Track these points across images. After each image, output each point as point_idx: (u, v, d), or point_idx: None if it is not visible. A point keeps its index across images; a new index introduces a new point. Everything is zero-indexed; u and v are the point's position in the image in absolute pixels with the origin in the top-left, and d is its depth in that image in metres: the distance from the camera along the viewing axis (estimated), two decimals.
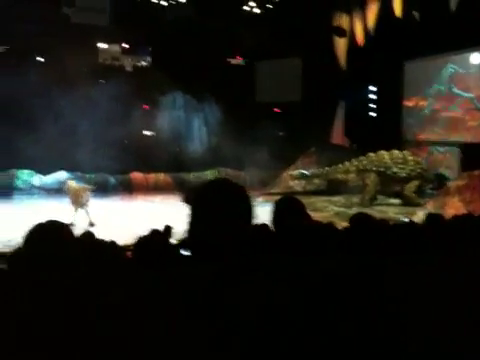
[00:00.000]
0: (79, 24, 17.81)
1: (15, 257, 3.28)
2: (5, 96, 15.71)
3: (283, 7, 18.39)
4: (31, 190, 16.40)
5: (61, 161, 16.05)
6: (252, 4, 19.83)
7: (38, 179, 16.78)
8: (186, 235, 1.63)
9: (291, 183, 16.02)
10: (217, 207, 1.58)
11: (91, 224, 10.86)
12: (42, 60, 18.27)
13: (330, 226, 3.39)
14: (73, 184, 11.64)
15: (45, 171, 16.82)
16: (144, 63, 19.96)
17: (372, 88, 17.70)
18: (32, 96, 14.81)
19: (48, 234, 1.95)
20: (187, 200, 1.77)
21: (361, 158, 14.35)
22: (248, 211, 1.62)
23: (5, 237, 8.34)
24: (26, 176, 16.74)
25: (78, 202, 11.15)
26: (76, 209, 11.12)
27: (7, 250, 6.29)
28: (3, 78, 15.51)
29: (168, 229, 4.70)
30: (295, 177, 15.44)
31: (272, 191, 15.05)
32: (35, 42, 16.68)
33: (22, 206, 13.61)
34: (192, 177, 18.11)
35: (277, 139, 17.59)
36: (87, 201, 11.27)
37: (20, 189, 16.32)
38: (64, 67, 16.19)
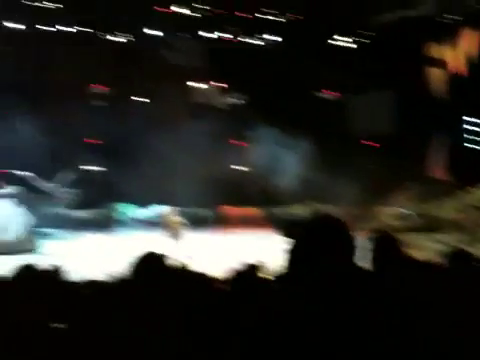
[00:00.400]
0: (176, 65, 18.81)
1: (119, 287, 3.44)
2: (110, 135, 16.86)
3: (377, 39, 18.19)
4: (131, 223, 17.20)
5: (159, 195, 16.76)
6: (345, 38, 19.84)
7: (137, 212, 17.59)
8: (284, 270, 1.62)
9: (386, 219, 15.44)
10: (322, 244, 1.56)
11: (187, 255, 11.16)
12: (144, 101, 19.43)
13: (431, 265, 3.21)
14: (169, 218, 12.11)
15: (144, 205, 17.63)
16: (237, 101, 20.53)
17: (474, 120, 16.81)
18: (133, 135, 15.75)
19: (149, 265, 2.03)
20: (289, 235, 1.77)
21: (464, 194, 13.55)
22: (351, 249, 1.59)
23: (106, 268, 8.76)
24: (127, 209, 17.62)
25: (174, 235, 11.57)
26: (173, 241, 11.51)
27: (108, 280, 6.61)
28: (107, 118, 16.70)
29: (258, 265, 4.68)
30: (395, 216, 14.88)
31: (366, 227, 14.56)
32: (137, 84, 17.83)
33: (122, 238, 14.29)
34: (283, 212, 18.05)
35: (370, 173, 17.13)
36: (182, 234, 11.66)
37: (121, 222, 17.18)
38: (163, 107, 17.08)
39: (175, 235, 11.66)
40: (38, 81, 16.93)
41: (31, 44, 17.21)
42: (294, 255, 1.63)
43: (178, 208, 16.82)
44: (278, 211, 18.18)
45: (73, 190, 15.43)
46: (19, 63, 16.65)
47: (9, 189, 14.01)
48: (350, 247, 1.60)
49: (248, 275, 3.85)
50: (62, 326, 2.52)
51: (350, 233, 1.61)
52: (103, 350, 1.94)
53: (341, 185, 15.74)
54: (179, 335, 2.02)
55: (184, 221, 12.25)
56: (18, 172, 14.60)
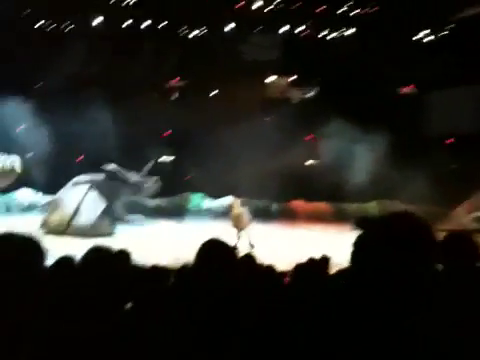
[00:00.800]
0: (251, 60, 18.89)
1: (181, 271, 3.52)
2: (182, 126, 17.26)
3: (459, 32, 17.30)
4: (200, 213, 17.56)
5: (229, 187, 16.98)
6: (426, 31, 19.03)
7: (208, 203, 17.92)
8: (356, 266, 1.58)
9: (464, 220, 14.71)
10: (402, 243, 1.50)
11: (251, 245, 11.28)
12: (215, 93, 19.72)
13: None
14: (236, 209, 12.22)
15: (214, 196, 17.94)
16: (311, 95, 20.30)
17: None
18: (206, 127, 16.03)
19: (214, 252, 2.04)
20: (365, 231, 1.71)
21: None
22: (433, 249, 1.52)
23: (174, 255, 9.00)
24: (197, 200, 18.01)
25: (239, 226, 11.69)
26: (238, 232, 11.65)
27: (176, 266, 6.78)
28: (184, 111, 17.11)
29: (326, 260, 4.62)
30: (473, 219, 14.14)
31: (441, 228, 13.97)
32: (209, 77, 18.09)
33: (191, 227, 14.63)
34: (355, 208, 17.73)
35: (449, 172, 16.39)
36: (248, 225, 11.76)
37: (191, 211, 17.59)
38: (237, 100, 17.23)
39: (240, 226, 11.80)
40: (116, 73, 17.57)
41: (107, 38, 17.87)
42: (369, 252, 1.58)
43: (246, 199, 17.02)
44: (349, 207, 17.86)
45: (154, 179, 15.68)
46: (96, 56, 17.35)
47: (88, 176, 14.70)
48: (432, 248, 1.53)
49: (312, 270, 3.81)
50: (130, 308, 2.60)
51: (432, 233, 1.54)
52: (164, 333, 1.98)
53: (416, 183, 15.17)
54: (239, 321, 2.02)
55: (249, 213, 12.34)
56: (99, 160, 15.11)
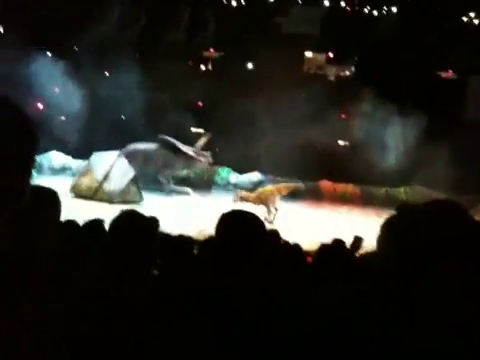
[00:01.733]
0: (289, 33, 18.57)
1: (206, 244, 3.53)
2: (214, 99, 17.19)
3: None
4: (227, 186, 17.61)
5: (257, 163, 16.93)
6: (471, 15, 18.34)
7: (235, 177, 17.95)
8: (384, 250, 1.53)
9: None
10: (441, 231, 1.43)
11: (270, 221, 11.30)
12: (251, 67, 19.51)
13: None
14: (264, 187, 12.31)
15: (242, 170, 17.93)
16: (348, 73, 19.91)
17: None
18: (238, 100, 15.90)
19: (240, 222, 2.01)
20: (400, 218, 1.65)
21: None
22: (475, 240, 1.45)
23: (200, 226, 9.07)
24: (225, 173, 18.04)
25: (265, 202, 11.71)
26: (268, 209, 11.71)
27: (201, 238, 6.83)
28: (216, 82, 17.01)
29: (358, 241, 4.55)
30: None
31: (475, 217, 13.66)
32: (247, 49, 17.88)
33: (218, 200, 14.69)
34: (383, 192, 17.49)
35: None
36: (273, 202, 11.80)
37: (219, 185, 17.65)
38: (271, 74, 17.01)
39: (266, 203, 11.84)
40: (150, 39, 17.53)
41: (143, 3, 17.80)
42: (403, 240, 1.51)
43: (274, 177, 16.96)
44: (377, 191, 17.62)
45: (207, 154, 15.57)
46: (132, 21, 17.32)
47: (142, 144, 15.00)
48: (469, 239, 1.45)
49: (336, 251, 3.77)
50: (156, 273, 2.62)
51: (474, 224, 1.46)
52: (187, 301, 1.97)
53: (449, 170, 14.84)
54: (259, 295, 2.00)
55: (276, 189, 12.34)
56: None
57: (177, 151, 15.02)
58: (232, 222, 2.00)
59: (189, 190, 15.54)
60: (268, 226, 5.02)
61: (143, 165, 14.84)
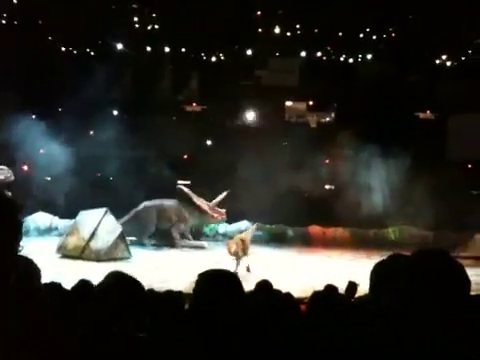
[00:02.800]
0: (269, 85, 19.04)
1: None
2: (199, 149, 17.36)
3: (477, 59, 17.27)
4: (217, 237, 17.48)
5: (245, 211, 16.90)
6: (444, 57, 19.02)
7: (223, 227, 17.86)
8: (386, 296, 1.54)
9: None
10: (431, 284, 1.46)
11: (248, 269, 11.03)
12: (233, 117, 19.86)
13: None
14: (237, 237, 11.75)
15: (230, 221, 17.87)
16: (328, 119, 20.33)
17: None
18: (221, 150, 16.10)
19: (217, 282, 1.98)
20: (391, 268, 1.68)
21: None
22: (464, 291, 1.48)
23: (190, 279, 8.92)
24: (214, 224, 17.93)
25: (242, 252, 11.23)
26: (239, 259, 11.17)
27: (190, 291, 6.71)
28: (200, 134, 17.25)
29: (353, 286, 4.51)
30: None
31: (463, 254, 13.65)
32: (229, 103, 18.28)
33: (207, 251, 14.56)
34: (372, 234, 17.50)
35: (470, 198, 16.14)
36: (246, 250, 11.41)
37: (207, 236, 17.52)
38: (254, 125, 17.34)
39: (243, 252, 11.25)
40: (136, 97, 17.83)
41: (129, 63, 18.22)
42: (398, 284, 1.54)
43: (262, 225, 16.88)
44: (366, 233, 17.63)
45: (223, 211, 15.48)
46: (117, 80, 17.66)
47: (158, 201, 15.21)
48: (461, 282, 1.49)
49: (330, 297, 3.72)
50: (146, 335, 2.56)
51: (463, 274, 1.50)
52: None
53: (435, 209, 14.95)
54: (258, 347, 1.96)
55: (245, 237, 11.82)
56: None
57: (192, 204, 15.07)
58: (207, 283, 1.98)
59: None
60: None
61: (158, 221, 15.05)
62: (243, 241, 11.37)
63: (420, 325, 1.42)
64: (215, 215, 15.36)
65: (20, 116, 15.23)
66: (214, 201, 15.42)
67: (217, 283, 1.95)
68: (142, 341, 2.14)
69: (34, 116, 17.08)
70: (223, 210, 15.57)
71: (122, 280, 2.17)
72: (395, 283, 1.55)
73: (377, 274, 2.17)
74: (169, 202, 15.37)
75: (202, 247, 15.19)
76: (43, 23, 17.54)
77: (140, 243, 14.96)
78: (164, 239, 15.20)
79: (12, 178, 13.39)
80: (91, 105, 16.58)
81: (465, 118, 18.13)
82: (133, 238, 14.85)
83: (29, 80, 16.88)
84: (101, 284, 2.18)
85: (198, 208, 15.17)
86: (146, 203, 15.31)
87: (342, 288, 4.75)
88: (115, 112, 16.94)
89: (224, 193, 15.43)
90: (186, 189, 15.30)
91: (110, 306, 2.07)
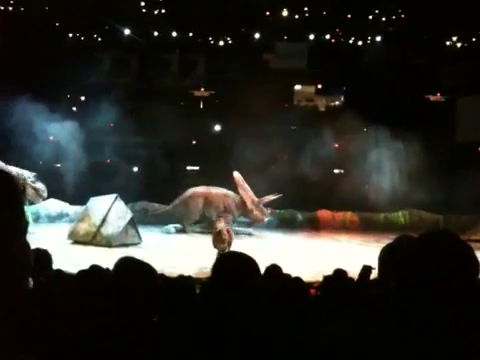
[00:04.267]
0: (277, 68, 18.91)
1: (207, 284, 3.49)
2: (208, 135, 17.33)
3: None
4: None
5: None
6: (454, 38, 18.76)
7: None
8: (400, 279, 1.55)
9: None
10: (439, 265, 1.47)
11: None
12: (243, 102, 19.75)
13: None
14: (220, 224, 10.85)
15: None
16: (337, 103, 20.20)
17: None
18: (230, 136, 16.06)
19: (235, 265, 2.01)
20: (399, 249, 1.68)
21: None
22: (473, 273, 1.48)
23: (200, 264, 9.00)
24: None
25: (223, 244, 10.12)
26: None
27: (202, 276, 6.78)
28: (206, 120, 17.22)
29: (367, 270, 4.50)
30: None
31: (474, 237, 13.61)
32: (237, 86, 18.17)
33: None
34: (382, 218, 17.47)
35: (477, 180, 16.01)
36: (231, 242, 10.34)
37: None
38: (262, 110, 17.23)
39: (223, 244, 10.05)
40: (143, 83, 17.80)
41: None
42: (404, 266, 1.55)
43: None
44: (375, 217, 17.60)
45: (269, 211, 15.28)
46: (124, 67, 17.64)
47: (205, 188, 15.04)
48: (469, 263, 1.49)
49: (340, 282, 3.74)
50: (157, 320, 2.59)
51: (468, 250, 1.50)
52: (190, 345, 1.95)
53: (444, 192, 14.88)
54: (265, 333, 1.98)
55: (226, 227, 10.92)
56: None
57: (239, 193, 14.75)
58: (227, 263, 2.00)
59: (251, 230, 15.18)
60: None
61: (204, 208, 14.91)
62: (220, 233, 10.20)
63: (428, 307, 1.43)
64: (256, 212, 14.88)
65: (27, 103, 15.28)
66: (262, 199, 14.92)
67: (237, 265, 1.97)
68: (155, 325, 2.17)
69: (41, 103, 17.15)
70: (268, 210, 15.29)
71: (134, 265, 2.19)
72: (403, 265, 1.55)
73: (385, 257, 2.17)
74: (217, 190, 15.08)
75: (250, 234, 14.93)
76: (49, 9, 17.51)
77: (182, 230, 14.83)
78: (210, 227, 14.85)
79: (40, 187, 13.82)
80: (98, 91, 16.59)
81: (475, 100, 17.93)
82: (178, 225, 14.77)
83: (36, 67, 16.89)
84: (113, 269, 2.21)
85: (241, 199, 14.84)
86: (194, 189, 15.08)
87: (351, 272, 4.76)
88: (122, 98, 16.90)
89: (276, 195, 14.89)
90: (238, 176, 14.69)
91: (122, 291, 2.09)
